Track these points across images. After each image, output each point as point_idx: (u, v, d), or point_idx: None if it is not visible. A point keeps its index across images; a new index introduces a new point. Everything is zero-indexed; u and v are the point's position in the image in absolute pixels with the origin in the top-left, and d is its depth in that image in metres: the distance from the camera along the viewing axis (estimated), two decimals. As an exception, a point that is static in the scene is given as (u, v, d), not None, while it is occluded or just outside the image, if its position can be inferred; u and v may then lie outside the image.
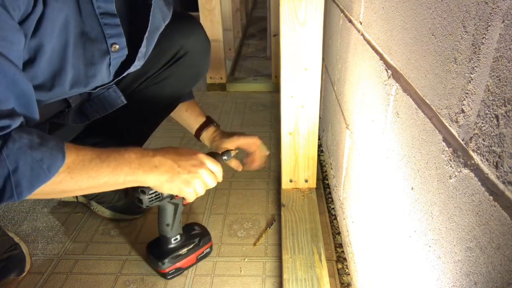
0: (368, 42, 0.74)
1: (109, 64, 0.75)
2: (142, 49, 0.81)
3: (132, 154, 0.71)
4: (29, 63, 0.63)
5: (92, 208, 1.12)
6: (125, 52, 0.76)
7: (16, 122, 0.57)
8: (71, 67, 0.69)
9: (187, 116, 1.08)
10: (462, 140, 0.39)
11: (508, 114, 0.31)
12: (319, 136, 1.47)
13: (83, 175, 0.64)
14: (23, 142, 0.57)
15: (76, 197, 1.15)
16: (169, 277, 0.92)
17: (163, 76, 0.99)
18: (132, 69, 0.81)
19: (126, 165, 0.69)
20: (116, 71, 0.79)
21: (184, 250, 0.92)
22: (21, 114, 0.59)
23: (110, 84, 0.82)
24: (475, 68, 0.36)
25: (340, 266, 0.96)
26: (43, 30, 0.62)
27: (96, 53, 0.72)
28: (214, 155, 0.86)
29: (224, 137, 1.01)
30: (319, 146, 1.45)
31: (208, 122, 1.06)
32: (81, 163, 0.64)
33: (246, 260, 0.98)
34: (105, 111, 0.90)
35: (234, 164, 1.01)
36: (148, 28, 0.79)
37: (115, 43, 0.73)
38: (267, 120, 1.67)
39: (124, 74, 0.80)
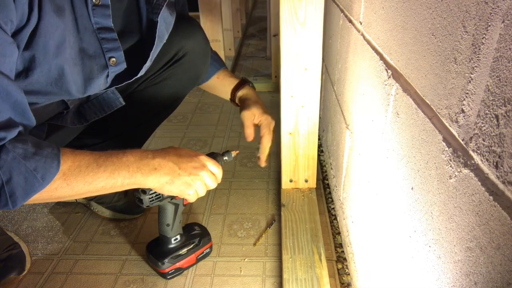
0: (368, 42, 0.74)
1: (107, 76, 0.76)
2: (147, 64, 0.82)
3: (130, 157, 0.70)
4: (22, 74, 0.64)
5: (92, 208, 1.12)
6: (124, 66, 0.77)
7: (12, 133, 0.58)
8: (70, 82, 0.70)
9: (221, 83, 1.05)
10: (462, 140, 0.39)
11: (508, 114, 0.31)
12: (319, 136, 1.47)
13: (79, 181, 0.64)
14: (17, 152, 0.57)
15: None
16: (169, 277, 0.92)
17: (162, 77, 0.99)
18: (133, 79, 0.81)
19: (124, 169, 0.69)
20: (116, 79, 0.80)
21: (184, 250, 0.92)
22: (19, 123, 0.59)
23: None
24: (475, 68, 0.36)
25: (340, 266, 0.96)
26: (37, 43, 0.62)
27: (95, 68, 0.73)
28: (214, 156, 0.86)
29: (258, 105, 0.99)
30: (319, 146, 1.45)
31: (243, 82, 1.04)
32: (77, 169, 0.64)
33: (246, 260, 0.98)
34: (103, 112, 0.91)
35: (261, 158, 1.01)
36: (154, 45, 0.80)
37: (113, 57, 0.74)
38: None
39: (123, 84, 0.81)
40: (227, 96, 1.06)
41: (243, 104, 1.00)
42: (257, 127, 1.00)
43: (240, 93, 1.03)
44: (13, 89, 0.58)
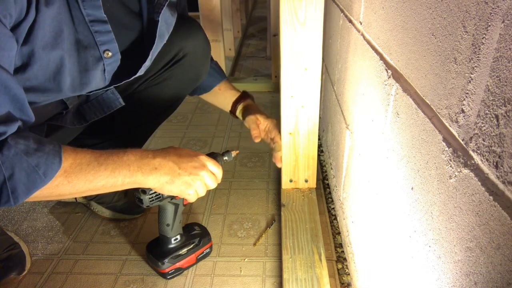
0: (368, 42, 0.74)
1: (104, 70, 0.76)
2: (147, 63, 0.81)
3: (131, 156, 0.71)
4: (21, 69, 0.64)
5: (92, 208, 1.12)
6: (118, 56, 0.76)
7: (12, 128, 0.57)
8: (66, 74, 0.70)
9: (222, 94, 1.10)
10: (462, 140, 0.39)
11: (508, 114, 0.31)
12: (319, 136, 1.47)
13: (80, 179, 0.64)
14: (19, 148, 0.57)
15: (75, 197, 1.16)
16: (169, 277, 0.92)
17: (162, 78, 0.99)
18: (132, 78, 0.81)
19: (125, 168, 0.69)
20: (115, 77, 0.79)
21: (184, 250, 0.92)
22: (18, 118, 0.59)
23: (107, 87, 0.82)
24: (475, 68, 0.36)
25: (340, 266, 0.96)
26: (35, 37, 0.62)
27: (89, 59, 0.73)
28: (214, 156, 0.86)
29: (261, 112, 1.04)
30: (319, 146, 1.45)
31: (245, 95, 1.08)
32: (78, 166, 0.64)
33: (246, 260, 0.98)
34: (103, 112, 0.91)
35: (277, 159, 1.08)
36: (155, 44, 0.80)
37: (107, 50, 0.74)
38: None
39: (122, 82, 0.80)
40: (227, 108, 1.10)
41: (245, 112, 1.05)
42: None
43: (241, 105, 1.07)
44: (12, 83, 0.58)
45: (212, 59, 1.10)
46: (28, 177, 0.58)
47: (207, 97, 1.12)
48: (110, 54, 0.74)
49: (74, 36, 0.68)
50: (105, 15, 0.70)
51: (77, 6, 0.67)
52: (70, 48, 0.68)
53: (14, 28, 0.58)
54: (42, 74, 0.67)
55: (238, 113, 1.08)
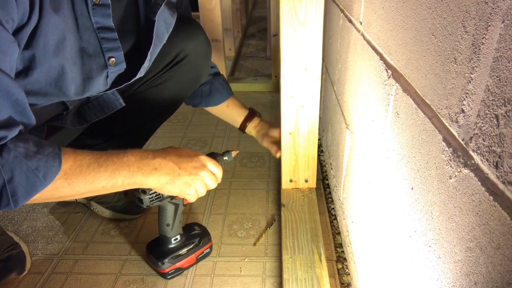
0: (368, 42, 0.74)
1: (107, 77, 0.76)
2: (145, 64, 0.81)
3: (131, 157, 0.71)
4: (22, 73, 0.64)
5: (92, 208, 1.12)
6: (123, 66, 0.77)
7: (13, 132, 0.57)
8: (69, 82, 0.70)
9: (230, 111, 1.15)
10: (462, 140, 0.39)
11: (508, 114, 0.31)
12: (319, 136, 1.47)
13: (80, 181, 0.64)
14: (18, 151, 0.57)
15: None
16: (169, 277, 0.92)
17: (163, 79, 0.99)
18: (132, 81, 0.81)
19: (125, 169, 0.69)
20: (115, 81, 0.79)
21: (184, 250, 0.92)
22: (19, 121, 0.59)
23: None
24: (475, 68, 0.36)
25: (340, 266, 0.96)
26: (37, 42, 0.62)
27: (94, 67, 0.73)
28: (214, 156, 0.86)
29: (272, 126, 1.12)
30: (319, 146, 1.45)
31: (252, 113, 1.14)
32: (78, 168, 0.64)
33: (246, 260, 0.98)
34: (103, 113, 0.91)
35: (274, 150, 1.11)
36: (152, 45, 0.80)
37: (112, 57, 0.74)
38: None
39: (122, 86, 0.80)
40: (235, 124, 1.16)
41: (258, 132, 1.14)
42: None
43: (250, 126, 1.14)
44: (13, 88, 0.58)
45: (219, 73, 1.14)
46: (28, 180, 0.58)
47: (213, 110, 1.17)
48: (114, 61, 0.74)
49: (78, 44, 0.69)
50: (113, 24, 0.71)
51: (86, 14, 0.67)
52: (74, 56, 0.69)
53: (16, 32, 0.58)
54: (44, 79, 0.67)
55: (248, 131, 1.15)
